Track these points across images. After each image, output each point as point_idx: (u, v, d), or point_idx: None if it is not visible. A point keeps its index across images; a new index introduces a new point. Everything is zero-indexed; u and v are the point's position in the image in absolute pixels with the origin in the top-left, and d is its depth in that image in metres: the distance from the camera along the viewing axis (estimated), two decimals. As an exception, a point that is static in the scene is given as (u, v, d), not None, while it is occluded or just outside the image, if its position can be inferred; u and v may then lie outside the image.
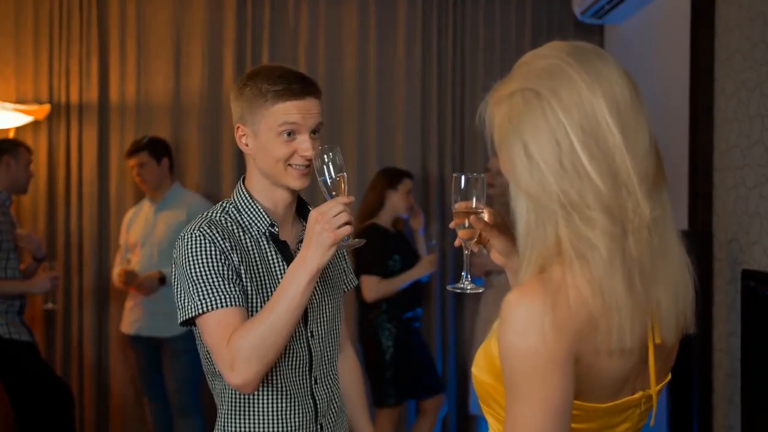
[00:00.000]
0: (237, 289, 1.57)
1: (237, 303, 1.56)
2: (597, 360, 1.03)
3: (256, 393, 1.65)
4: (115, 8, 4.16)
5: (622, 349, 1.02)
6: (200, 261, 1.58)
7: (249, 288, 1.62)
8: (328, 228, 1.50)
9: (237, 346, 1.50)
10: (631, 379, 1.10)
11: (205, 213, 1.70)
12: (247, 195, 1.71)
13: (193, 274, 1.57)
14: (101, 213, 4.17)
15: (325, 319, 1.74)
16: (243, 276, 1.61)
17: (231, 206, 1.71)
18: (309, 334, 1.70)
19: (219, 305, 1.54)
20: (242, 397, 1.66)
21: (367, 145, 4.26)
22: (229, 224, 1.67)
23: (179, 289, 1.60)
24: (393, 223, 3.81)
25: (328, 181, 1.57)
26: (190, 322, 1.60)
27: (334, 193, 1.57)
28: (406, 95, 4.27)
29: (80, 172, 4.15)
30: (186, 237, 1.61)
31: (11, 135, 3.93)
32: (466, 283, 1.52)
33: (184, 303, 1.58)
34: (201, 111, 4.19)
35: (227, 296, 1.55)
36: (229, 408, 1.68)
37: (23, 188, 3.62)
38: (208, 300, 1.55)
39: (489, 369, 1.11)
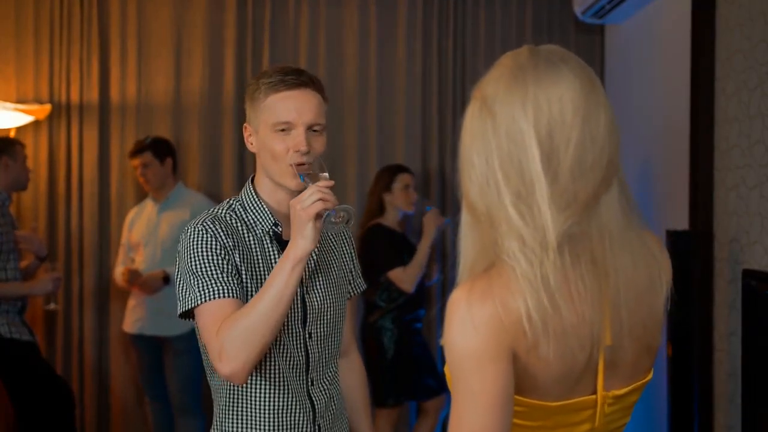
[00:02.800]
0: (235, 282, 1.59)
1: (233, 295, 1.57)
2: (530, 360, 1.05)
3: (253, 390, 1.66)
4: (116, 8, 4.16)
5: (546, 355, 1.04)
6: (201, 254, 1.59)
7: (249, 286, 1.62)
8: (299, 208, 1.51)
9: (225, 336, 1.50)
10: (587, 378, 1.10)
11: (212, 209, 1.72)
12: (254, 194, 1.72)
13: (194, 267, 1.58)
14: (102, 213, 4.17)
15: (325, 321, 1.74)
16: (244, 274, 1.62)
17: (237, 204, 1.73)
18: (307, 335, 1.70)
19: (215, 296, 1.55)
20: (239, 394, 1.67)
21: (367, 144, 4.26)
22: (233, 221, 1.68)
23: (180, 281, 1.62)
24: (399, 224, 3.81)
25: (311, 177, 1.60)
26: (189, 314, 1.61)
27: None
28: (406, 95, 4.27)
29: (81, 172, 4.15)
30: (189, 231, 1.64)
31: (12, 135, 3.93)
32: None
33: (184, 295, 1.60)
34: (201, 111, 4.19)
35: (224, 288, 1.56)
36: (227, 404, 1.68)
37: (24, 185, 3.63)
38: (205, 292, 1.56)
39: None
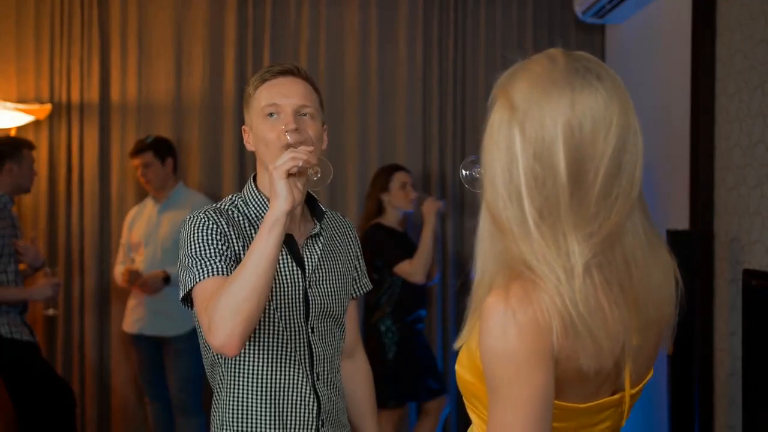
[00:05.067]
0: (232, 262, 1.59)
1: (227, 273, 1.56)
2: (568, 365, 1.03)
3: (255, 385, 1.66)
4: (116, 8, 4.16)
5: (582, 365, 1.03)
6: (201, 239, 1.60)
7: None
8: (272, 168, 1.51)
9: (212, 307, 1.49)
10: (610, 380, 1.10)
11: (214, 204, 1.75)
12: (255, 189, 1.74)
13: (193, 251, 1.59)
14: (102, 212, 4.17)
15: (327, 316, 1.74)
16: None
17: (239, 199, 1.75)
18: (309, 330, 1.71)
19: (210, 275, 1.56)
20: (241, 390, 1.67)
21: (368, 144, 4.26)
22: (235, 216, 1.70)
23: (181, 267, 1.63)
24: (399, 223, 3.80)
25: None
26: (191, 301, 1.61)
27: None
28: (407, 94, 4.27)
29: (81, 172, 4.15)
30: (192, 218, 1.65)
31: (12, 134, 3.93)
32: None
33: (184, 278, 1.60)
34: (202, 110, 4.19)
35: (219, 268, 1.57)
36: (228, 401, 1.68)
37: (26, 189, 3.62)
38: (201, 271, 1.57)
39: (471, 368, 1.12)
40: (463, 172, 1.44)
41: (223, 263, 1.58)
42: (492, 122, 1.08)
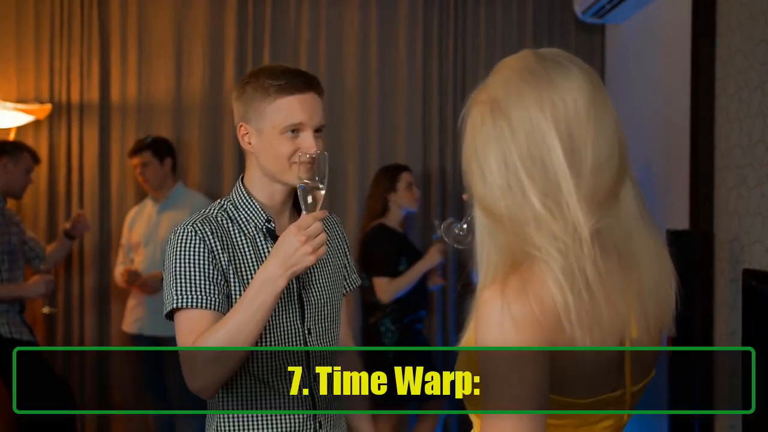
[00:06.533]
0: (217, 290, 1.58)
1: (212, 306, 1.56)
2: (565, 356, 1.04)
3: (251, 389, 1.66)
4: (116, 8, 4.16)
5: (581, 352, 1.04)
6: (186, 256, 1.59)
7: (235, 287, 1.61)
8: (310, 250, 1.50)
9: (197, 351, 1.50)
10: (611, 375, 1.10)
11: (203, 210, 1.71)
12: (244, 192, 1.71)
13: (178, 269, 1.58)
14: (102, 213, 4.17)
15: (323, 316, 1.74)
16: (231, 277, 1.61)
17: (229, 203, 1.72)
18: (306, 332, 1.70)
19: (194, 305, 1.55)
20: (237, 393, 1.66)
21: (368, 144, 4.26)
22: (224, 222, 1.67)
23: (165, 282, 1.62)
24: (401, 224, 3.80)
25: (310, 188, 1.56)
26: (172, 315, 1.61)
27: (310, 200, 1.56)
28: (407, 94, 4.27)
29: (81, 172, 4.15)
30: (178, 231, 1.63)
31: (12, 135, 3.92)
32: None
33: (165, 296, 1.60)
34: (202, 110, 4.19)
35: (204, 297, 1.56)
36: (223, 402, 1.67)
37: (17, 194, 3.57)
38: (185, 296, 1.56)
39: (470, 368, 1.12)
40: (447, 238, 1.47)
41: (209, 290, 1.56)
42: (473, 122, 1.10)
